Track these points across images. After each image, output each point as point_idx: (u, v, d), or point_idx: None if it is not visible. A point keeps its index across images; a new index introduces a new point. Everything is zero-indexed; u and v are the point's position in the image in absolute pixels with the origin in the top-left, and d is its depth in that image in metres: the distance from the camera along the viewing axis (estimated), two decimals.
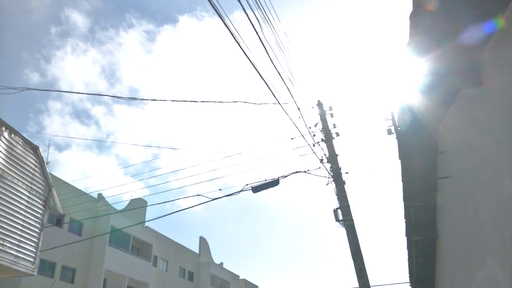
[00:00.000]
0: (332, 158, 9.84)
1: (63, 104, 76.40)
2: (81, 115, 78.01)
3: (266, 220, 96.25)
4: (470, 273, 4.40)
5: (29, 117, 68.54)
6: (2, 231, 6.19)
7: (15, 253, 6.22)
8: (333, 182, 9.67)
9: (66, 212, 24.73)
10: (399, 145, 5.47)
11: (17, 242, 6.24)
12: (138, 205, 36.96)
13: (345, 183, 9.66)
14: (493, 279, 3.42)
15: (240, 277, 58.46)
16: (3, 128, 6.25)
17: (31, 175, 6.48)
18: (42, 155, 6.81)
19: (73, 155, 76.67)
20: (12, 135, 6.36)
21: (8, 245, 6.08)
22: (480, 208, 3.70)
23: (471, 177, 4.01)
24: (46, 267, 28.34)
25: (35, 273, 6.71)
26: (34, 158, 6.66)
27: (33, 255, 6.54)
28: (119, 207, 37.29)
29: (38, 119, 69.52)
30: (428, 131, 5.42)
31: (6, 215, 6.22)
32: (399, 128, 5.32)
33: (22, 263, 6.38)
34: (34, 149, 6.63)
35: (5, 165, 6.16)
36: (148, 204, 36.43)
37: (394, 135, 5.43)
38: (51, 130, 70.96)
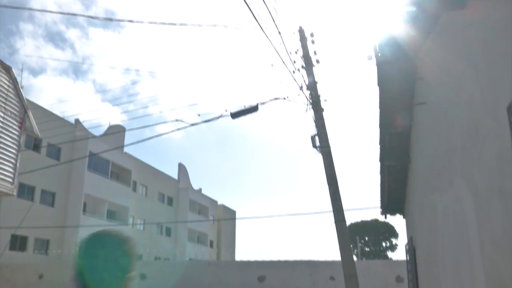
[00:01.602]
0: (312, 85, 9.84)
1: (35, 26, 73.48)
2: (55, 38, 75.49)
3: (245, 148, 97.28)
4: (438, 195, 4.60)
5: (0, 38, 66.21)
6: None
7: None
8: (311, 109, 9.73)
9: (43, 136, 24.64)
10: (378, 72, 5.49)
11: None
12: (116, 131, 36.89)
13: (323, 110, 9.74)
14: (458, 199, 3.59)
15: (218, 203, 59.86)
16: None
17: (4, 96, 6.37)
18: (16, 76, 6.67)
19: (48, 80, 74.91)
20: None
21: None
22: (452, 133, 3.81)
23: (446, 103, 4.09)
24: (25, 191, 28.54)
25: (14, 193, 6.76)
26: (7, 78, 6.52)
27: (11, 175, 6.58)
28: (97, 133, 37.18)
29: (9, 42, 67.11)
30: (408, 58, 5.43)
31: None
32: (379, 54, 5.32)
33: (1, 183, 6.41)
34: (7, 69, 6.48)
35: None
36: (126, 130, 36.29)
37: (373, 61, 5.43)
38: (24, 52, 68.78)
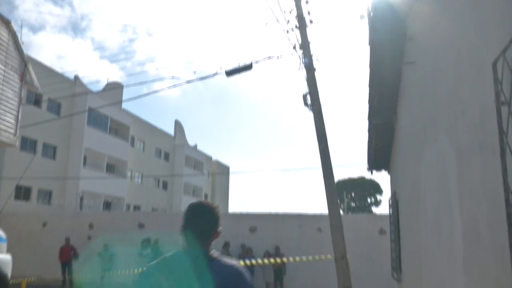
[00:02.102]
0: (305, 45, 9.70)
1: None
2: None
3: (239, 106, 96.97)
4: (422, 151, 4.64)
5: None
6: None
7: None
8: (304, 69, 9.64)
9: (43, 92, 24.39)
10: (370, 31, 5.43)
11: None
12: (114, 88, 36.61)
13: (315, 70, 9.64)
14: (441, 154, 3.62)
15: (213, 158, 60.19)
16: None
17: (5, 49, 6.25)
18: (15, 31, 6.52)
19: (47, 37, 73.55)
20: None
21: None
22: (438, 90, 3.80)
23: (434, 62, 4.06)
24: (28, 145, 28.52)
25: (16, 144, 6.74)
26: (7, 32, 6.37)
27: (13, 127, 6.54)
28: (96, 89, 36.85)
29: None
30: (399, 18, 5.36)
31: None
32: (371, 14, 5.24)
33: (4, 134, 6.38)
34: (6, 23, 6.33)
35: None
36: (124, 86, 35.97)
37: (366, 21, 5.37)
38: (24, 9, 67.17)
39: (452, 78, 3.27)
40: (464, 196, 2.98)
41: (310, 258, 13.88)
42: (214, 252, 2.54)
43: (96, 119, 35.05)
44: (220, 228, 2.63)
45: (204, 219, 2.62)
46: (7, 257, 7.32)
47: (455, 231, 3.20)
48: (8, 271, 7.19)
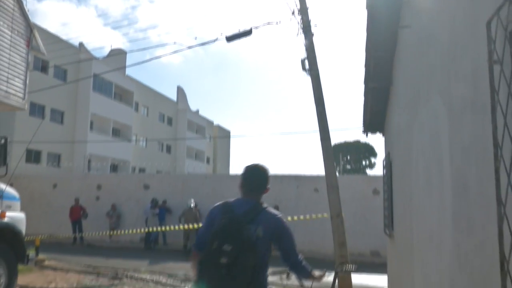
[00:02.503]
0: (303, 10, 9.56)
1: None
2: None
3: (239, 72, 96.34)
4: (415, 112, 4.64)
5: None
6: None
7: (5, 88, 6.16)
8: (302, 34, 9.53)
9: (49, 58, 24.13)
10: None
11: (5, 79, 6.14)
12: (118, 54, 36.23)
13: (313, 35, 9.54)
14: (434, 114, 3.62)
15: (214, 123, 60.18)
16: None
17: (10, 15, 6.13)
18: None
19: (52, 5, 72.33)
20: None
21: None
22: (433, 53, 3.77)
23: (429, 25, 4.01)
24: (36, 110, 28.48)
25: (25, 108, 6.72)
26: None
27: (22, 91, 6.50)
28: (100, 55, 36.50)
29: None
30: None
31: None
32: None
33: (13, 98, 6.36)
34: None
35: None
36: (128, 52, 35.59)
37: None
38: None
39: (447, 40, 3.24)
40: (455, 153, 3.01)
41: (308, 217, 14.10)
42: (264, 203, 3.28)
43: (101, 85, 34.88)
44: (269, 186, 3.33)
45: (257, 177, 3.36)
46: (21, 215, 7.43)
47: (445, 186, 3.24)
48: (23, 228, 7.32)
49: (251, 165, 3.39)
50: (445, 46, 3.30)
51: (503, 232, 1.94)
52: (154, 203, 18.03)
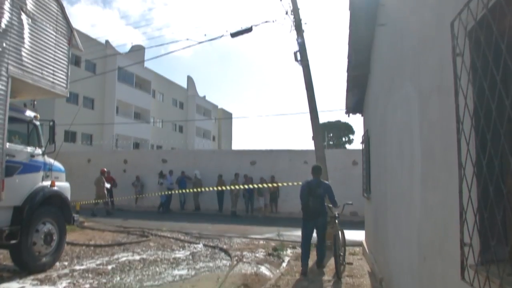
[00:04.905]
0: (295, 11, 9.50)
1: None
2: None
3: (241, 63, 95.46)
4: (390, 95, 4.71)
5: None
6: (41, 63, 6.08)
7: (51, 79, 6.19)
8: (294, 30, 9.50)
9: (81, 54, 23.88)
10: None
11: (52, 72, 6.17)
12: (138, 49, 35.93)
13: (304, 31, 9.51)
14: (406, 97, 3.70)
15: (219, 107, 59.92)
16: None
17: (55, 18, 6.12)
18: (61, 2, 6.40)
19: (82, 8, 71.18)
20: None
21: (46, 73, 6.03)
22: (405, 45, 3.82)
23: (402, 22, 4.05)
24: (71, 97, 28.31)
25: (67, 95, 6.76)
26: (56, 4, 6.22)
27: (64, 82, 6.53)
28: (123, 51, 36.12)
29: None
30: None
31: (41, 51, 6.06)
32: None
33: (58, 88, 6.40)
34: None
35: (34, 10, 5.79)
36: (146, 48, 35.22)
37: None
38: None
39: (417, 36, 3.30)
40: (423, 128, 3.10)
41: (300, 182, 14.22)
42: (322, 179, 7.15)
43: (124, 76, 34.61)
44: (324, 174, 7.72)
45: (317, 169, 7.12)
46: (66, 184, 7.54)
47: (415, 154, 3.34)
48: (68, 195, 7.43)
49: (315, 165, 7.45)
50: (415, 40, 3.36)
51: (462, 190, 2.06)
52: (160, 175, 18.27)
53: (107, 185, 16.29)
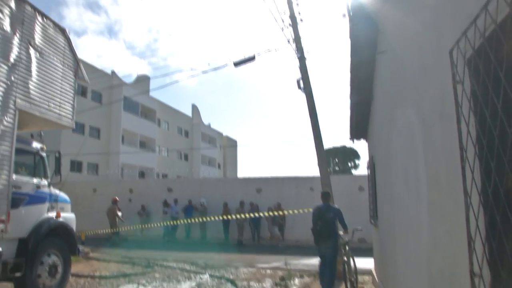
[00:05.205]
0: (297, 39, 9.68)
1: None
2: (93, 6, 72.88)
3: (245, 91, 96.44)
4: (393, 122, 4.71)
5: (51, 7, 63.99)
6: (48, 96, 6.20)
7: (58, 111, 6.29)
8: (297, 58, 9.64)
9: (88, 84, 24.35)
10: (350, 27, 5.44)
11: (58, 104, 6.27)
12: (143, 79, 36.51)
13: (306, 59, 9.65)
14: (409, 123, 3.69)
15: (224, 134, 60.21)
16: (37, 13, 5.89)
17: (62, 52, 6.28)
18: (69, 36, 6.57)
19: (89, 40, 73.03)
20: (44, 19, 6.02)
21: (52, 105, 6.12)
22: (406, 73, 3.85)
23: (402, 51, 4.10)
24: (77, 127, 28.60)
25: (73, 127, 6.84)
26: (63, 38, 6.40)
27: (70, 113, 6.63)
28: (129, 81, 36.73)
29: (58, 10, 64.96)
30: (372, 17, 5.36)
31: (48, 84, 6.19)
32: (350, 14, 5.25)
33: (64, 119, 6.48)
34: (62, 30, 6.35)
35: (42, 44, 5.95)
36: (151, 78, 35.83)
37: (346, 19, 5.37)
38: (70, 19, 66.52)
39: (417, 63, 3.33)
40: (428, 155, 3.08)
41: (306, 210, 14.09)
42: (332, 204, 7.61)
43: (130, 105, 35.05)
44: (331, 198, 7.90)
45: (326, 195, 7.49)
46: (72, 215, 7.52)
47: (420, 182, 3.31)
48: (73, 226, 7.40)
49: (324, 190, 7.93)
50: (415, 67, 3.39)
51: (469, 218, 2.02)
52: (164, 204, 18.23)
53: (120, 214, 16.29)
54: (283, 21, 9.61)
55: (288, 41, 9.67)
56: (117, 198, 16.78)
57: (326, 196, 7.50)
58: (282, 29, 9.58)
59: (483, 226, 1.90)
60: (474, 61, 1.95)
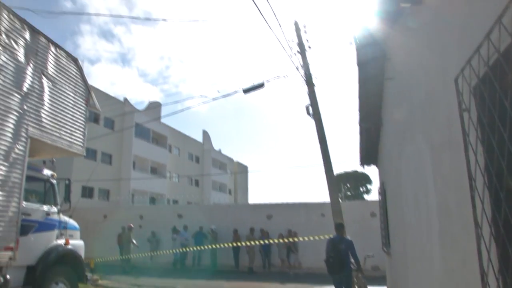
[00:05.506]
0: (305, 66, 9.78)
1: (92, 26, 73.06)
2: (107, 34, 75.02)
3: (255, 117, 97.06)
4: (402, 149, 4.67)
5: (67, 36, 65.95)
6: (59, 124, 6.30)
7: (69, 139, 6.37)
8: (305, 85, 9.72)
9: (100, 112, 24.81)
10: (357, 54, 5.47)
11: (69, 132, 6.36)
12: (155, 106, 37.08)
13: (314, 86, 9.71)
14: (418, 150, 3.66)
15: (234, 160, 60.25)
16: (50, 44, 6.08)
17: (74, 81, 6.43)
18: (81, 65, 6.74)
19: (102, 68, 74.88)
20: (57, 49, 6.20)
21: (63, 133, 6.21)
22: (414, 100, 3.84)
23: (409, 77, 4.10)
24: (90, 154, 28.95)
25: (84, 154, 6.92)
26: (75, 67, 6.56)
27: (81, 141, 6.71)
28: (141, 107, 37.33)
29: (73, 39, 66.92)
30: (379, 43, 5.40)
31: (60, 112, 6.31)
32: (357, 41, 5.29)
33: (75, 147, 6.55)
34: (75, 60, 6.52)
35: (55, 73, 6.10)
36: (163, 104, 36.36)
37: (353, 46, 5.41)
38: (84, 47, 68.47)
39: (424, 90, 3.32)
40: (437, 183, 3.02)
41: (316, 237, 13.85)
42: (346, 235, 7.46)
43: (142, 132, 35.47)
44: (344, 230, 7.77)
45: (340, 227, 7.61)
46: (81, 242, 7.50)
47: (431, 210, 3.24)
48: (82, 253, 7.37)
49: (337, 222, 8.20)
50: (422, 94, 3.38)
51: (481, 250, 1.95)
52: (174, 230, 18.13)
53: (134, 241, 16.36)
54: (291, 49, 9.76)
55: (297, 68, 9.78)
56: (132, 225, 16.95)
57: (340, 227, 7.60)
58: (291, 56, 9.74)
59: (495, 258, 1.83)
60: (480, 90, 1.93)
